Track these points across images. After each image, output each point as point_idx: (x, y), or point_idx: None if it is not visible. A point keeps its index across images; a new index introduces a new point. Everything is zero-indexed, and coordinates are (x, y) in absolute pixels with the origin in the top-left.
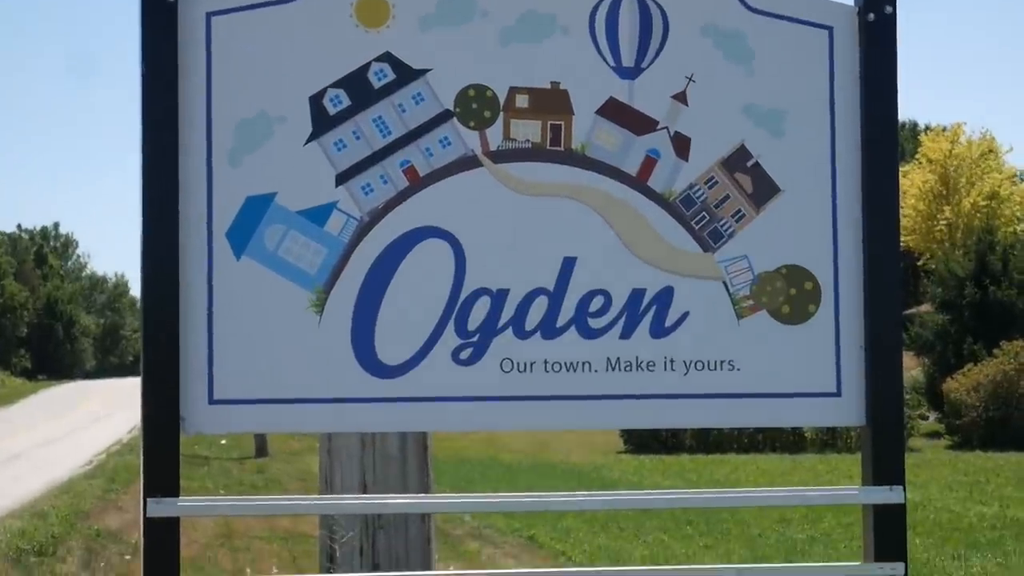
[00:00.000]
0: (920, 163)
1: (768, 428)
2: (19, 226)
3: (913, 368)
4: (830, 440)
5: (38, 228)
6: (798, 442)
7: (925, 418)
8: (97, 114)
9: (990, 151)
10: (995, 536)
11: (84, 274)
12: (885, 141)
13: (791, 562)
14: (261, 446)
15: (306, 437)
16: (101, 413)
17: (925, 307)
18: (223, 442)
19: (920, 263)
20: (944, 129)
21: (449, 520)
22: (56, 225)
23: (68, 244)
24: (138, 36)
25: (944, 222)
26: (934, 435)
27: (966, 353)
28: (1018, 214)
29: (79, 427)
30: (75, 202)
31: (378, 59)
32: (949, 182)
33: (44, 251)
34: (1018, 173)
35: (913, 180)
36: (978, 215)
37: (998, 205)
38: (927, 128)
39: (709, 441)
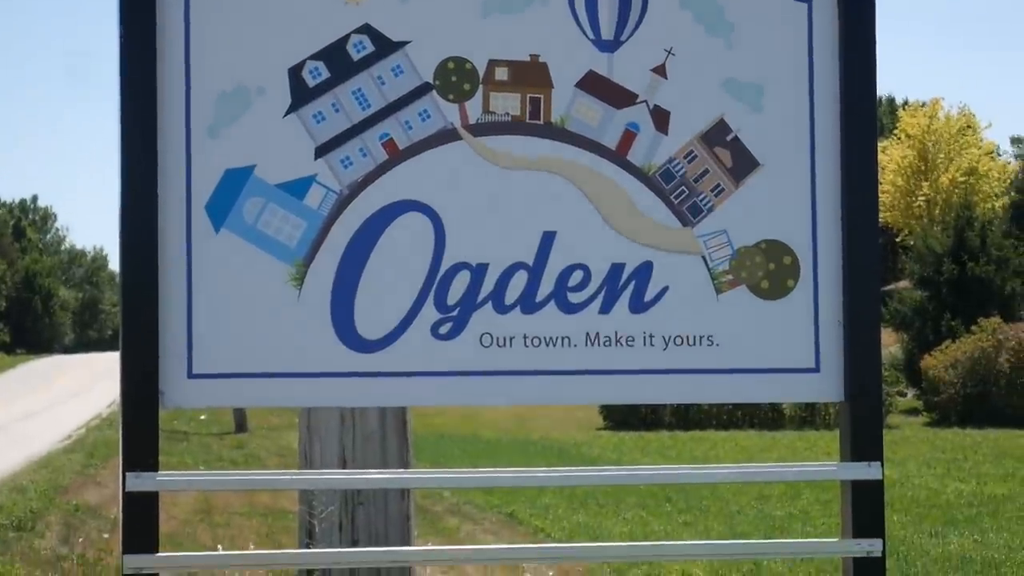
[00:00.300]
0: (899, 138)
1: (747, 405)
2: None
3: (891, 344)
4: (808, 417)
5: (16, 201)
6: (777, 419)
7: (903, 395)
8: (76, 88)
9: (968, 126)
10: (972, 513)
11: (63, 248)
12: (864, 115)
13: (770, 539)
14: (240, 422)
15: (286, 413)
16: (80, 387)
17: (903, 283)
18: (202, 417)
19: (898, 239)
20: (922, 104)
21: (428, 496)
22: (34, 198)
23: (47, 217)
24: (116, 7)
25: (923, 198)
26: (912, 412)
27: (944, 330)
28: (996, 190)
29: (58, 401)
30: (53, 175)
31: (357, 31)
32: (928, 158)
33: (22, 224)
34: (996, 148)
35: (892, 156)
36: (956, 191)
37: (976, 181)
38: (905, 103)
39: (688, 418)
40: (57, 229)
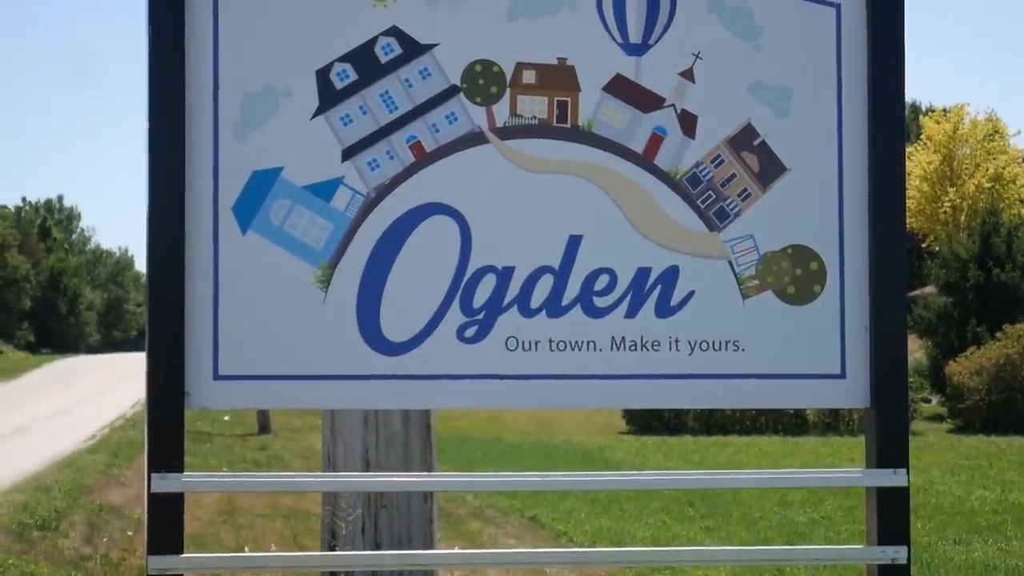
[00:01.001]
0: (924, 144)
1: (771, 410)
2: (24, 199)
3: (916, 351)
4: (832, 423)
5: (41, 200)
6: (800, 424)
7: (928, 401)
8: (103, 88)
9: (995, 132)
10: (997, 520)
11: (88, 248)
12: (892, 121)
13: (793, 545)
14: (264, 423)
15: (309, 415)
16: (104, 388)
17: (929, 289)
18: (226, 419)
19: (924, 245)
20: (946, 111)
21: (451, 499)
22: (60, 198)
23: (72, 217)
24: (146, 9)
25: (948, 204)
26: (936, 418)
27: (969, 336)
28: (1023, 195)
29: (82, 401)
30: (79, 175)
31: (385, 33)
32: (953, 164)
33: (48, 224)
34: (1023, 156)
35: (917, 161)
36: (982, 197)
37: (1003, 187)
38: (929, 109)
39: (711, 423)
40: (82, 229)
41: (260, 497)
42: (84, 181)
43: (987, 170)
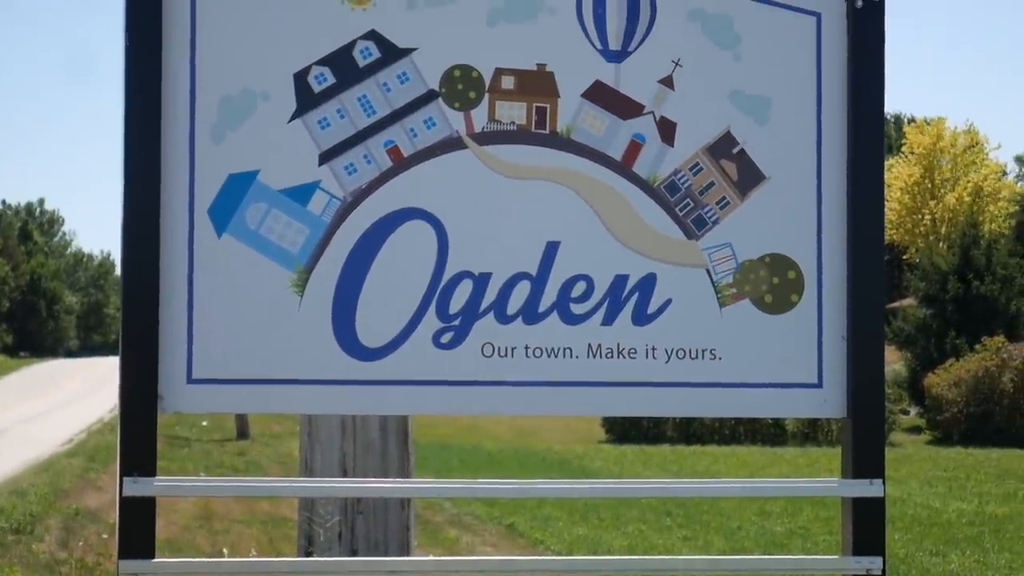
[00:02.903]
0: (905, 156)
1: (749, 420)
2: (3, 202)
3: (895, 362)
4: (811, 433)
5: (23, 203)
6: (779, 435)
7: (906, 413)
8: (87, 89)
9: (975, 144)
10: (973, 532)
11: (69, 251)
12: (872, 130)
13: (770, 555)
14: (242, 429)
15: (288, 420)
16: (83, 391)
17: (908, 301)
18: (204, 424)
19: (904, 257)
20: (927, 122)
21: (429, 507)
22: (41, 201)
23: (54, 221)
24: (123, 9)
25: (928, 216)
26: (915, 430)
27: (948, 348)
28: (1003, 210)
29: (60, 405)
30: (63, 178)
31: (364, 37)
32: (934, 176)
33: (28, 227)
34: (1004, 168)
35: (898, 173)
36: (963, 210)
37: (983, 200)
38: (911, 120)
39: (690, 432)
40: (64, 233)
41: (237, 502)
42: (67, 184)
43: (968, 183)
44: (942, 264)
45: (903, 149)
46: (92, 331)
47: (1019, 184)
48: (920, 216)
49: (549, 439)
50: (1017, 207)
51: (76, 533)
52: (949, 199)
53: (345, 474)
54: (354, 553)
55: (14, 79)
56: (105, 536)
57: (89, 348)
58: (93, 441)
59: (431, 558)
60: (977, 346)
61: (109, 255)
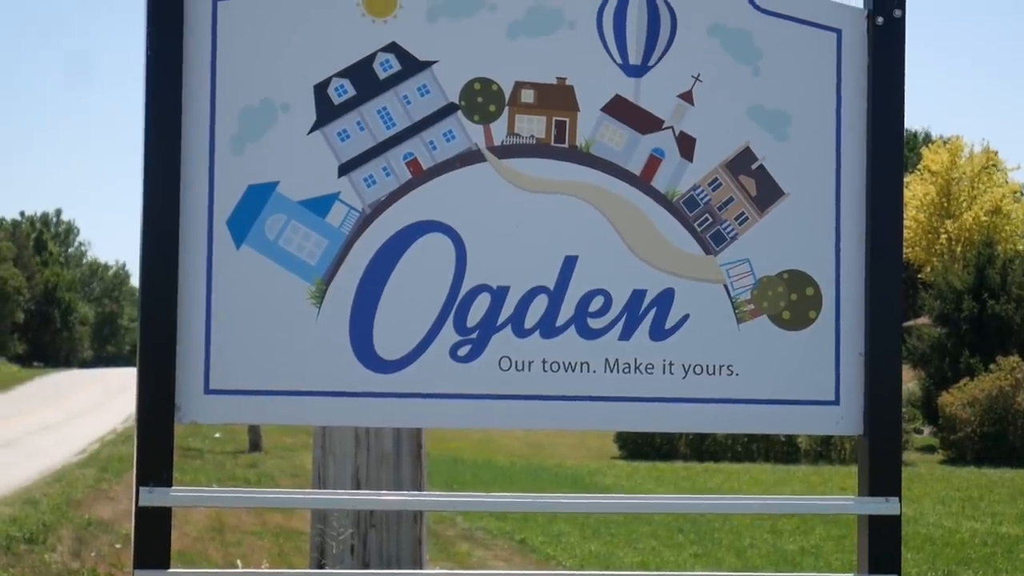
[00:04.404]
0: (922, 175)
1: (762, 437)
2: (22, 213)
3: (909, 381)
4: (824, 451)
5: (39, 214)
6: (792, 452)
7: (920, 432)
8: (104, 100)
9: (992, 164)
10: (986, 552)
11: (84, 262)
12: (891, 148)
13: (782, 572)
14: (255, 441)
15: (300, 433)
16: (96, 402)
17: (923, 320)
18: (217, 435)
19: (920, 276)
20: (945, 141)
21: (440, 521)
22: (58, 212)
23: (69, 231)
24: (143, 19)
25: (945, 235)
26: (928, 449)
27: (963, 367)
28: (1020, 231)
29: (73, 416)
30: (78, 189)
31: (384, 49)
32: (951, 195)
33: (44, 237)
34: (1021, 189)
35: (915, 192)
36: (979, 230)
37: (1000, 220)
38: (927, 138)
39: (703, 449)
40: (80, 243)
41: (249, 515)
42: (84, 194)
43: (984, 203)
44: (957, 283)
45: (920, 167)
46: (106, 342)
47: None
48: (936, 235)
49: (561, 454)
50: None
51: (88, 543)
52: (965, 218)
53: (358, 486)
54: (366, 566)
55: (31, 88)
56: (118, 547)
57: (103, 359)
58: (106, 452)
59: (443, 571)
60: (992, 366)
61: (124, 265)
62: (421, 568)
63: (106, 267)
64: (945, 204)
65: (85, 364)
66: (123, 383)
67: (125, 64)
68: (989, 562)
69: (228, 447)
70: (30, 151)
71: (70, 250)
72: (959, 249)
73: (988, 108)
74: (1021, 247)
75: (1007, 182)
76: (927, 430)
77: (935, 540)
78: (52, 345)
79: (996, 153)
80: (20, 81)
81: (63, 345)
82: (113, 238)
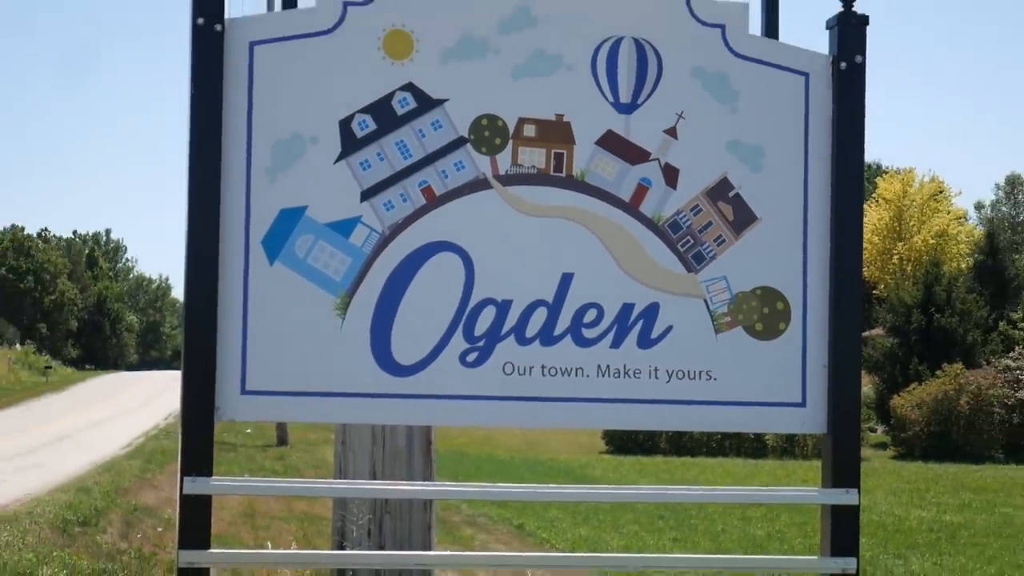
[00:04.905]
0: (876, 202)
1: (735, 434)
2: (75, 232)
3: (865, 385)
4: (788, 447)
5: (91, 233)
6: (760, 448)
7: (874, 431)
8: (150, 130)
9: (939, 192)
10: (932, 538)
11: (131, 276)
12: (853, 178)
13: (751, 555)
14: (282, 436)
15: (322, 429)
16: (141, 401)
17: (877, 331)
18: (248, 431)
19: (874, 292)
20: (898, 171)
21: (447, 508)
22: (107, 231)
23: (118, 249)
24: (188, 61)
25: (897, 256)
26: (881, 446)
27: (912, 373)
28: (963, 251)
29: (121, 413)
30: (126, 210)
31: (402, 88)
32: (902, 220)
33: (96, 254)
34: (965, 214)
35: (870, 217)
36: (927, 250)
37: (946, 242)
38: (879, 168)
39: (681, 445)
40: (127, 259)
41: (277, 502)
42: (131, 214)
43: (932, 227)
44: (907, 299)
45: (875, 196)
46: (150, 347)
47: (977, 228)
48: (889, 256)
49: (555, 449)
50: (974, 248)
51: (135, 526)
52: (915, 241)
53: (375, 477)
54: (381, 548)
55: (87, 122)
56: (160, 529)
57: (147, 363)
58: (150, 445)
59: (449, 552)
60: (938, 372)
61: (167, 279)
62: (430, 550)
63: (150, 280)
64: (897, 228)
65: (131, 367)
66: (165, 384)
67: (170, 95)
68: (934, 546)
69: (258, 441)
70: (82, 175)
71: (118, 265)
72: (909, 268)
73: (935, 141)
74: (964, 266)
75: (951, 209)
76: (880, 429)
77: (887, 527)
78: (102, 350)
79: (943, 182)
80: (74, 111)
81: (112, 350)
82: (157, 253)
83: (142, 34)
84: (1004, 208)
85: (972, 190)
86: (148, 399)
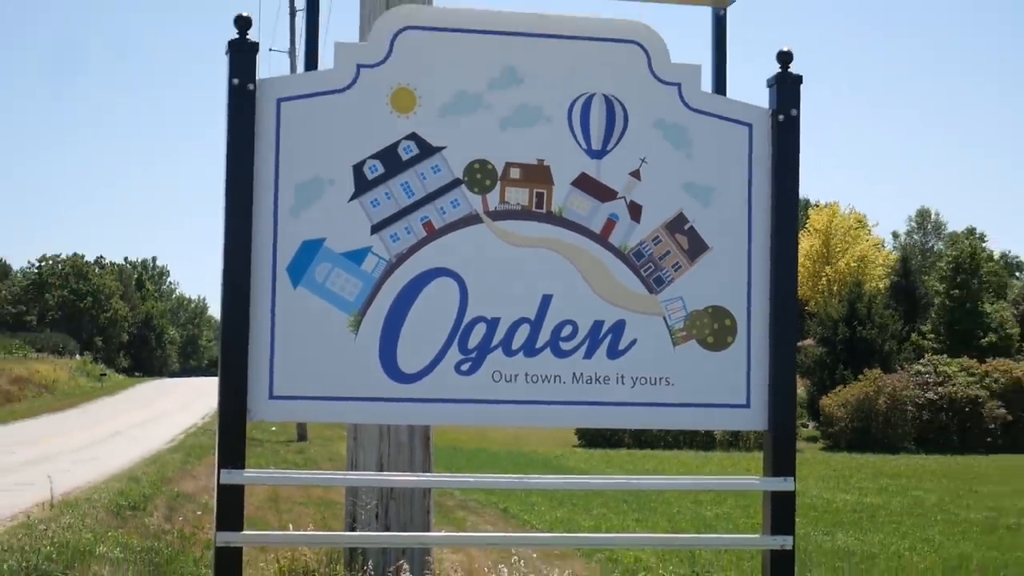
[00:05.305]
0: (808, 231)
1: (689, 430)
2: (126, 258)
3: (799, 388)
4: (734, 441)
5: (139, 260)
6: (709, 442)
7: (806, 426)
8: (190, 168)
9: (860, 223)
10: (855, 518)
11: (173, 296)
12: (789, 213)
13: (703, 534)
14: (302, 433)
15: (337, 427)
16: (181, 404)
17: (808, 341)
18: (273, 429)
19: (806, 307)
20: (825, 205)
21: (442, 495)
22: (154, 259)
23: (162, 273)
24: (225, 120)
25: (825, 277)
26: (812, 439)
27: (838, 377)
28: (880, 273)
29: (164, 413)
30: (170, 238)
31: (406, 137)
32: (829, 246)
33: (143, 278)
34: (882, 242)
35: (803, 244)
36: (850, 273)
37: (866, 266)
38: (807, 203)
39: (642, 439)
40: (170, 283)
41: (297, 489)
42: (174, 243)
43: (854, 253)
44: (834, 314)
45: (806, 226)
46: (189, 357)
47: (892, 253)
48: (818, 277)
49: (536, 443)
50: (890, 271)
51: (177, 510)
52: (840, 264)
53: (382, 469)
54: (387, 529)
55: (133, 159)
56: (199, 513)
57: (187, 370)
58: (190, 441)
59: (447, 533)
60: (860, 376)
61: (204, 299)
62: (429, 531)
63: (190, 300)
64: (825, 253)
65: (174, 374)
66: (203, 389)
67: (209, 144)
68: (857, 525)
69: (281, 438)
70: (132, 210)
71: (162, 287)
72: (836, 288)
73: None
74: (882, 286)
75: (870, 236)
76: (811, 425)
77: (817, 508)
78: (149, 360)
79: (863, 215)
80: (119, 151)
81: (157, 360)
82: (196, 277)
83: (180, 87)
84: (916, 236)
85: (888, 221)
86: (187, 402)
